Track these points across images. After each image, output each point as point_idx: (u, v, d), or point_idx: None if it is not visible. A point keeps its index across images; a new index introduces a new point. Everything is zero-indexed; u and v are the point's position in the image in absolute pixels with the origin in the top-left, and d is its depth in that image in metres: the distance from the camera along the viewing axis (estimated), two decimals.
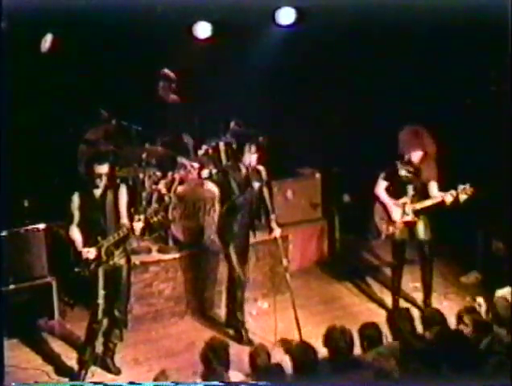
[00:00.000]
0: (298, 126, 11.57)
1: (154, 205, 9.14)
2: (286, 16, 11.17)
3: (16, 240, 9.34)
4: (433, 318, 7.77)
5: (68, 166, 10.50)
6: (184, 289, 10.08)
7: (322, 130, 11.68)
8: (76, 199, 8.55)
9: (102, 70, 10.66)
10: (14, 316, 9.04)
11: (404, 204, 9.82)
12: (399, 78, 11.07)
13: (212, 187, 10.25)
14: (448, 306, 9.80)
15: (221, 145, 10.86)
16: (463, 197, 9.52)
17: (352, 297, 10.58)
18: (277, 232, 9.42)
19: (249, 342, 9.12)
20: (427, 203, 9.74)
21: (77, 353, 8.84)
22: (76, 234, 8.55)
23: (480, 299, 8.42)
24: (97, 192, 8.56)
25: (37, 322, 9.47)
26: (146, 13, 10.00)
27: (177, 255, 10.11)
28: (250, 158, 9.32)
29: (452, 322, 7.82)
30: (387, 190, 9.93)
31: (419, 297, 10.19)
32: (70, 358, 8.95)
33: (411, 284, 10.47)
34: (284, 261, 9.40)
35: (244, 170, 9.35)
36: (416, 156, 9.74)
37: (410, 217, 9.80)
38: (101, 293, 8.51)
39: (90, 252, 8.44)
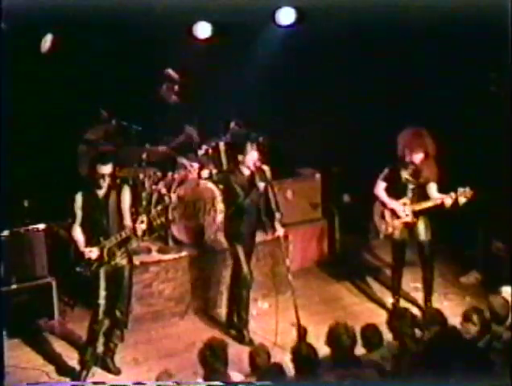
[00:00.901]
0: (298, 126, 11.57)
1: (157, 207, 9.11)
2: (286, 16, 11.16)
3: (16, 240, 9.33)
4: (433, 318, 7.78)
5: (68, 166, 10.50)
6: (184, 290, 10.09)
7: (322, 130, 11.67)
8: (79, 199, 8.55)
9: (102, 70, 10.65)
10: (15, 316, 9.06)
11: (404, 205, 9.82)
12: (399, 78, 11.07)
13: (212, 187, 10.25)
14: (449, 306, 9.82)
15: (221, 145, 10.86)
16: (462, 200, 9.51)
17: (352, 297, 10.58)
18: (280, 231, 9.40)
19: (251, 343, 9.13)
20: (427, 204, 9.73)
21: (78, 353, 8.85)
22: (78, 234, 8.56)
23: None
24: (101, 192, 8.55)
25: (37, 322, 9.46)
26: (146, 13, 10.00)
27: (177, 255, 10.12)
28: (253, 155, 9.30)
29: (452, 322, 7.83)
30: (387, 190, 9.93)
31: (419, 297, 10.20)
32: (70, 358, 8.96)
33: (411, 284, 10.47)
34: (287, 261, 9.39)
35: (247, 172, 9.34)
36: (417, 157, 9.72)
37: (409, 218, 9.80)
38: (102, 293, 8.52)
39: (93, 252, 8.45)
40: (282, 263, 9.55)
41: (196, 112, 10.97)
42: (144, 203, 10.08)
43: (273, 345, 8.93)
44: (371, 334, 7.47)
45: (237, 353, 8.00)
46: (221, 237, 9.91)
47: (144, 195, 10.17)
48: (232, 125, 11.00)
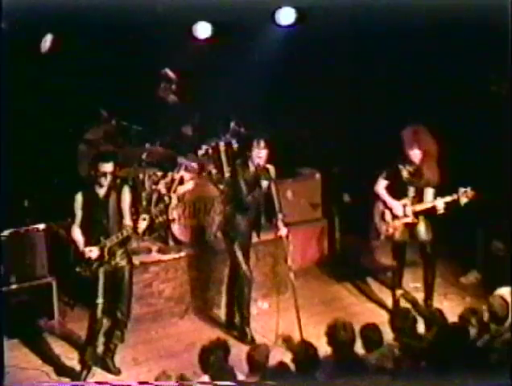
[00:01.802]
0: (298, 126, 11.57)
1: (159, 205, 9.13)
2: (286, 16, 11.15)
3: (16, 240, 9.33)
4: (434, 319, 7.77)
5: (68, 166, 10.50)
6: (184, 290, 10.09)
7: (322, 130, 11.67)
8: (79, 199, 8.55)
9: (102, 70, 10.65)
10: (14, 316, 9.06)
11: (404, 205, 9.82)
12: (399, 78, 11.07)
13: (212, 187, 10.24)
14: (449, 306, 9.82)
15: (221, 145, 10.85)
16: (464, 200, 9.50)
17: (352, 298, 10.58)
18: (283, 231, 9.37)
19: (253, 342, 9.12)
20: (428, 205, 9.73)
21: (79, 353, 8.85)
22: (77, 234, 8.56)
23: None
24: (101, 192, 8.56)
25: (37, 322, 9.46)
26: (146, 13, 10.00)
27: (177, 255, 10.12)
28: (259, 153, 9.27)
29: (452, 322, 7.83)
30: (388, 189, 9.92)
31: (419, 297, 10.19)
32: (70, 358, 8.97)
33: (412, 284, 10.47)
34: (289, 261, 9.38)
35: (252, 169, 9.33)
36: (415, 155, 9.72)
37: (410, 218, 9.80)
38: (101, 292, 8.51)
39: (93, 252, 8.45)
40: (284, 262, 9.54)
41: (196, 112, 10.97)
42: (144, 202, 10.08)
43: (273, 345, 8.92)
44: (371, 333, 7.47)
45: (237, 353, 7.98)
46: (221, 237, 9.91)
47: (144, 194, 10.18)
48: (232, 125, 11.00)
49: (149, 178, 10.33)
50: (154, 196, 10.17)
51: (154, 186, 10.26)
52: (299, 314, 9.18)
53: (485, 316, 7.94)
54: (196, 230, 10.29)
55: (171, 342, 9.50)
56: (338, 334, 7.18)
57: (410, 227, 9.88)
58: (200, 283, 10.15)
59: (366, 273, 11.06)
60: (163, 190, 10.17)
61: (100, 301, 8.52)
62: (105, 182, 8.50)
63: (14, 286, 9.25)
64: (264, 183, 9.32)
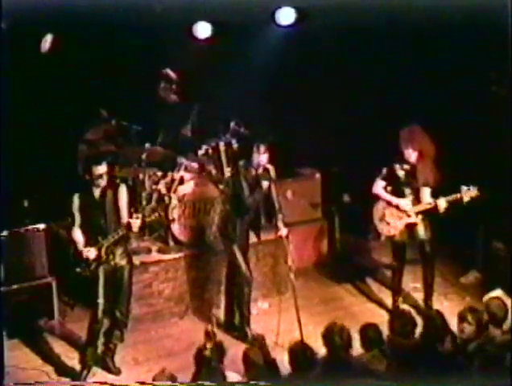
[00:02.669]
0: (298, 126, 11.57)
1: (152, 204, 9.14)
2: (286, 16, 11.15)
3: (16, 240, 9.33)
4: (434, 319, 7.77)
5: (68, 166, 10.50)
6: (184, 290, 10.09)
7: (322, 130, 11.67)
8: (76, 200, 8.57)
9: (102, 70, 10.65)
10: (14, 316, 9.06)
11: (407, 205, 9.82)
12: (399, 78, 11.07)
13: (212, 187, 10.24)
14: (449, 306, 9.82)
15: (221, 145, 10.85)
16: (467, 199, 9.50)
17: (352, 298, 10.58)
18: (283, 231, 9.37)
19: (254, 341, 9.10)
20: (427, 205, 9.72)
21: (79, 353, 8.86)
22: (78, 236, 8.57)
23: None
24: (97, 192, 8.57)
25: (37, 322, 9.46)
26: (146, 13, 10.00)
27: (177, 255, 10.12)
28: (259, 158, 9.29)
29: (452, 322, 7.82)
30: (385, 190, 9.92)
31: (419, 297, 10.19)
32: (70, 358, 8.97)
33: (412, 284, 10.47)
34: (289, 261, 9.38)
35: (253, 171, 9.34)
36: (410, 154, 9.72)
37: (412, 219, 9.78)
38: (102, 292, 8.52)
39: (90, 252, 8.46)
40: (284, 263, 9.54)
41: (196, 112, 10.97)
42: (144, 202, 10.08)
43: (274, 345, 8.91)
44: (371, 333, 7.47)
45: (237, 353, 7.97)
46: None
47: (144, 194, 10.18)
48: (232, 125, 11.00)
49: (149, 178, 10.33)
50: (154, 196, 10.17)
51: (154, 186, 10.26)
52: (299, 314, 9.18)
53: (485, 316, 7.93)
54: (195, 230, 10.29)
55: (170, 342, 9.51)
56: (333, 338, 7.19)
57: (410, 228, 9.87)
58: (199, 283, 10.15)
59: (366, 272, 11.06)
60: (163, 190, 10.18)
61: (100, 301, 8.53)
62: (102, 182, 8.52)
63: (14, 286, 9.25)
64: (264, 184, 9.33)
